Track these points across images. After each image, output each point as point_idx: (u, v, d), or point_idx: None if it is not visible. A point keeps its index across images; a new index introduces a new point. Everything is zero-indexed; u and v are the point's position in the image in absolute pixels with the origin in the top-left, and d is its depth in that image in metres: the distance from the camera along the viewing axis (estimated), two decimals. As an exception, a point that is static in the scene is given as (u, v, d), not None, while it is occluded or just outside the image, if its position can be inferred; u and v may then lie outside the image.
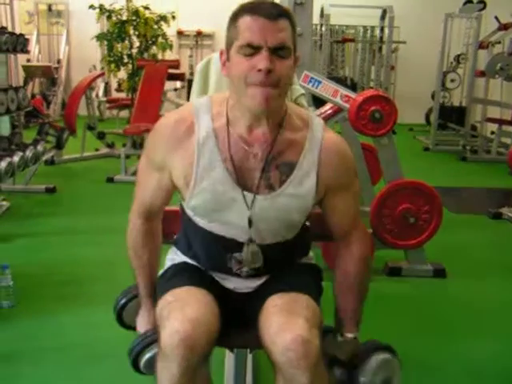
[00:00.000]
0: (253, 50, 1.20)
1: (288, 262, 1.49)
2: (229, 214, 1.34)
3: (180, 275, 1.43)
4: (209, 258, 1.44)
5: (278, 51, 1.21)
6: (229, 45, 1.25)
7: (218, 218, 1.36)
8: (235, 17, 1.24)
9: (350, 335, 1.45)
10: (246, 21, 1.21)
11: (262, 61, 1.19)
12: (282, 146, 1.31)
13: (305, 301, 1.33)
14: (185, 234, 1.50)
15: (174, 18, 7.15)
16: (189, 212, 1.42)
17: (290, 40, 1.23)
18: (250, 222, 1.34)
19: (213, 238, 1.40)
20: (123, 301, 1.58)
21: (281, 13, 1.22)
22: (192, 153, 1.30)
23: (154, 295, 1.46)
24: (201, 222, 1.40)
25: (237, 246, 1.38)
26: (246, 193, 1.31)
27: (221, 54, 1.29)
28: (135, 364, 1.43)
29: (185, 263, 1.48)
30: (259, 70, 1.19)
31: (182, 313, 1.25)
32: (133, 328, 1.52)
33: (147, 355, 1.39)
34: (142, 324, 1.47)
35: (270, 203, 1.32)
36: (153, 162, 1.37)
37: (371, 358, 1.43)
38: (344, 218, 1.42)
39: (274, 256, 1.41)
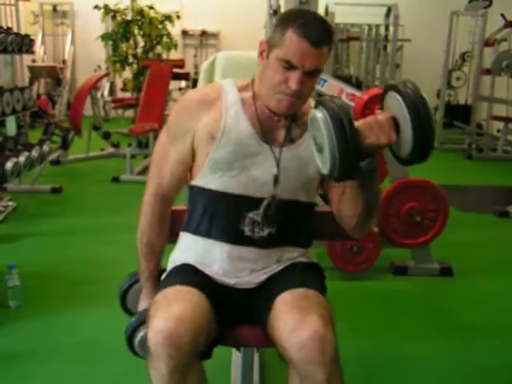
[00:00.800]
0: (290, 66, 1.32)
1: (296, 237, 1.48)
2: (251, 167, 1.40)
3: (174, 277, 1.44)
4: (221, 224, 1.43)
5: (311, 73, 1.33)
6: (271, 45, 1.35)
7: (239, 172, 1.40)
8: (286, 24, 1.32)
9: None
10: (293, 38, 1.30)
11: (294, 81, 1.32)
12: (299, 114, 1.44)
13: (315, 297, 1.34)
14: (193, 210, 1.49)
15: (178, 17, 7.16)
16: (205, 176, 1.44)
17: (323, 63, 1.35)
18: (276, 179, 1.41)
19: (229, 200, 1.42)
20: (126, 285, 1.61)
21: (326, 39, 1.33)
22: (219, 112, 1.41)
23: (157, 281, 1.49)
24: (218, 181, 1.42)
25: (253, 204, 1.41)
26: (273, 148, 1.41)
27: (261, 43, 1.40)
28: (130, 343, 1.44)
29: (184, 265, 1.47)
30: (289, 87, 1.33)
31: (167, 311, 1.25)
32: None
33: (141, 333, 1.41)
34: (143, 306, 1.49)
35: (291, 154, 1.42)
36: (176, 130, 1.45)
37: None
38: None
39: (285, 219, 1.43)
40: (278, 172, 1.41)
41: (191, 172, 1.49)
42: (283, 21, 1.34)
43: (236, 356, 1.89)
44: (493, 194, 5.29)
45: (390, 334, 2.49)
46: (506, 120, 6.85)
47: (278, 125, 1.43)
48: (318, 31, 1.31)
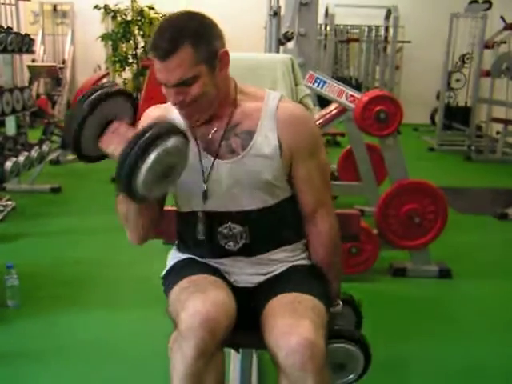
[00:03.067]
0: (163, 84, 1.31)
1: (277, 239, 1.46)
2: (203, 183, 1.39)
3: (190, 266, 1.45)
4: (203, 242, 1.44)
5: (182, 84, 1.28)
6: None
7: (195, 189, 1.40)
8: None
9: None
10: (152, 58, 1.29)
11: (170, 97, 1.31)
12: (238, 118, 1.39)
13: (309, 301, 1.32)
14: (179, 233, 1.53)
15: (178, 18, 7.15)
16: (177, 198, 1.47)
17: (189, 69, 1.27)
18: (205, 194, 1.39)
19: (199, 219, 1.42)
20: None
21: (176, 45, 1.25)
22: None
23: None
24: (185, 203, 1.45)
25: (221, 218, 1.41)
26: (207, 158, 1.38)
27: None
28: (128, 186, 1.19)
29: (191, 258, 1.49)
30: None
31: (204, 295, 1.26)
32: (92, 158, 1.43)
33: (152, 156, 1.17)
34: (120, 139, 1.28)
35: (237, 166, 1.37)
36: None
37: None
38: (310, 192, 1.43)
39: (260, 227, 1.42)
40: (206, 185, 1.38)
41: None
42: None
43: (234, 357, 1.89)
44: (492, 195, 5.29)
45: (387, 335, 2.49)
46: (506, 122, 6.85)
47: (215, 138, 1.39)
48: (165, 42, 1.25)
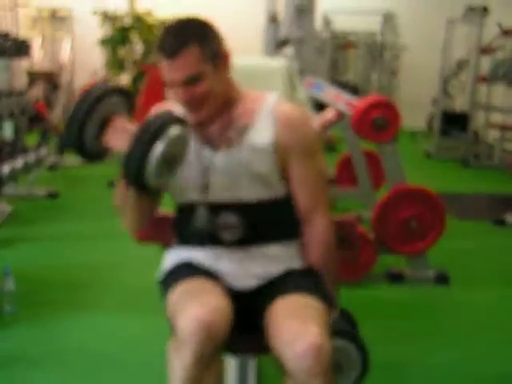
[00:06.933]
0: (169, 84, 1.34)
1: (271, 234, 1.47)
2: (200, 174, 1.43)
3: (187, 269, 1.45)
4: (199, 232, 1.45)
5: (188, 82, 1.32)
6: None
7: (191, 179, 1.43)
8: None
9: None
10: (159, 58, 1.33)
11: (178, 96, 1.34)
12: (237, 115, 1.42)
13: (314, 304, 1.34)
14: (177, 224, 1.53)
15: (176, 23, 7.17)
16: (175, 189, 1.48)
17: (195, 67, 1.31)
18: (206, 185, 1.42)
19: (196, 209, 1.44)
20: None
21: (182, 43, 1.30)
22: None
23: None
24: (182, 193, 1.47)
25: (218, 209, 1.43)
26: (206, 150, 1.42)
27: None
28: (138, 177, 1.24)
29: (187, 263, 1.49)
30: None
31: (200, 301, 1.27)
32: (96, 156, 1.38)
33: (159, 147, 1.23)
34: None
35: (233, 157, 1.41)
36: None
37: None
38: (305, 193, 1.45)
39: (256, 220, 1.43)
40: (207, 177, 1.42)
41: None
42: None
43: (232, 362, 1.88)
44: (489, 201, 5.30)
45: (384, 341, 2.48)
46: (503, 128, 6.87)
47: (214, 130, 1.42)
48: (173, 40, 1.30)
